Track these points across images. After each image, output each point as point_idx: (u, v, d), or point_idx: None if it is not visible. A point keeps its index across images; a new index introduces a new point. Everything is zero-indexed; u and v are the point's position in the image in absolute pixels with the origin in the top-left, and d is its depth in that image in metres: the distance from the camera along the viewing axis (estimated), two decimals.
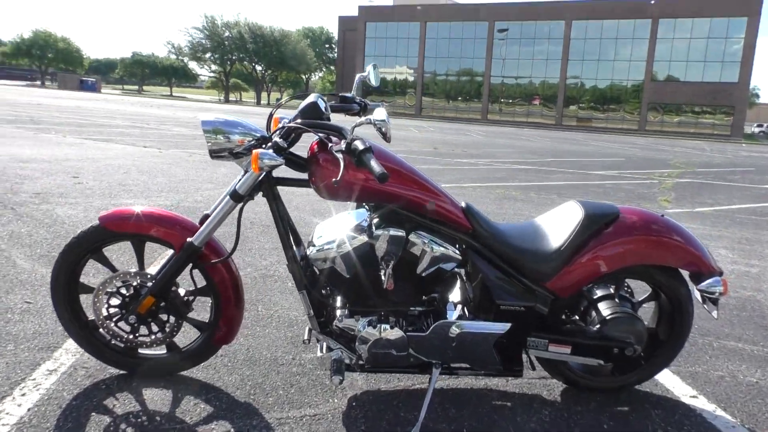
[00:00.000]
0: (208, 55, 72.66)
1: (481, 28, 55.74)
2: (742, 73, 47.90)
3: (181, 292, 2.38)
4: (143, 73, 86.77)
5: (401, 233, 2.18)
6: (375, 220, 2.21)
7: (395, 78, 61.09)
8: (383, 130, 1.93)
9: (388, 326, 2.19)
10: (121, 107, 30.62)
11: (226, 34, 70.26)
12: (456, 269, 2.31)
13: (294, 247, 2.26)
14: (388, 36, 59.08)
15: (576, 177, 11.70)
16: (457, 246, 2.29)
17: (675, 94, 50.03)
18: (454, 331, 2.20)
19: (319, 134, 2.11)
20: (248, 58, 71.63)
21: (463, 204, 2.30)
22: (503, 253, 2.27)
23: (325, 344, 2.31)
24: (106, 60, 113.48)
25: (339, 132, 2.07)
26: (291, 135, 2.17)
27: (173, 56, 78.80)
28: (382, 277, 2.17)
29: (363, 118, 1.99)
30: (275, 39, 70.07)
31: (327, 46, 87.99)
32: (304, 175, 2.22)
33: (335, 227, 2.27)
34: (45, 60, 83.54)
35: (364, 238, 2.18)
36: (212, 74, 80.00)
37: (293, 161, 2.24)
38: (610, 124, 52.10)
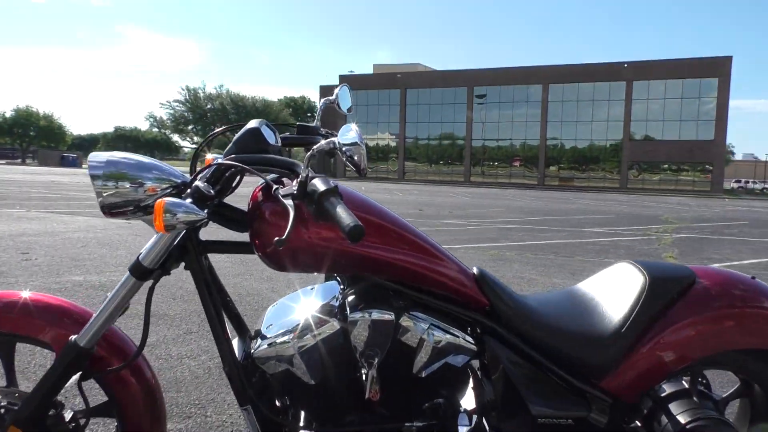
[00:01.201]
0: (190, 127, 73.06)
1: (460, 93, 56.71)
2: (718, 129, 48.82)
3: (67, 415, 1.63)
4: (126, 147, 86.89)
5: (389, 316, 1.49)
6: (350, 298, 1.53)
7: (377, 144, 61.36)
8: (355, 158, 1.28)
9: None
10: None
11: (209, 105, 70.93)
12: (469, 362, 1.62)
13: (231, 341, 1.55)
14: (369, 103, 59.77)
15: (569, 235, 11.13)
16: (469, 330, 1.59)
17: (654, 152, 50.73)
18: None
19: (262, 174, 1.44)
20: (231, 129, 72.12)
21: (474, 270, 1.62)
22: (537, 338, 1.58)
23: None
24: (89, 135, 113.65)
25: (290, 169, 1.41)
26: (223, 177, 1.50)
27: (155, 129, 79.17)
28: (364, 383, 1.47)
29: (323, 142, 1.34)
30: (257, 109, 70.82)
31: (309, 114, 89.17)
32: (246, 236, 1.53)
33: (293, 310, 1.58)
34: (26, 138, 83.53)
35: (335, 324, 1.49)
36: (194, 145, 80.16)
37: (227, 216, 1.56)
38: (592, 183, 52.45)
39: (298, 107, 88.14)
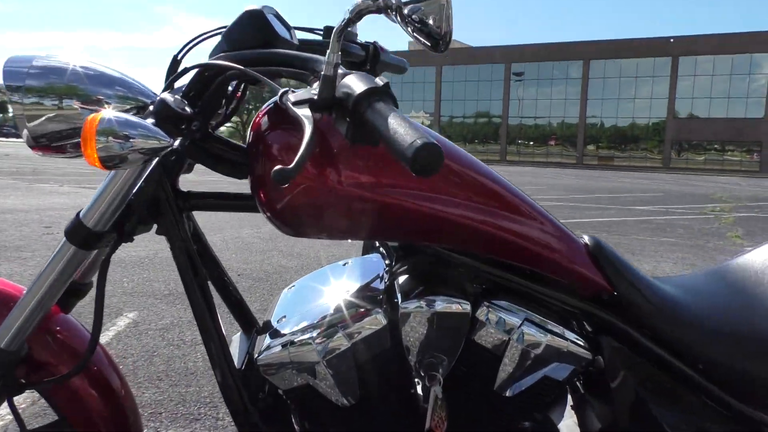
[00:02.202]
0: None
1: (497, 70, 55.28)
2: None
3: None
4: None
5: (462, 306, 0.99)
6: (402, 279, 1.04)
7: None
8: (429, 21, 0.78)
9: None
10: None
11: None
12: (577, 375, 1.11)
13: (227, 340, 1.08)
14: (404, 81, 58.72)
15: (618, 213, 10.42)
16: (576, 327, 1.09)
17: (699, 131, 48.81)
18: None
19: (270, 81, 0.94)
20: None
21: (586, 239, 1.10)
22: (687, 342, 1.06)
23: None
24: None
25: (314, 69, 0.91)
26: (209, 90, 1.00)
27: None
28: (422, 405, 1.01)
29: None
30: (293, 87, 70.40)
31: None
32: (246, 186, 1.04)
33: (316, 296, 1.10)
34: None
35: (379, 318, 1.00)
36: (230, 125, 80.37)
37: (216, 154, 1.06)
38: (633, 162, 50.74)
39: None
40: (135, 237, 1.05)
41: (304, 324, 1.03)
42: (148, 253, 5.24)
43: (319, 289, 1.13)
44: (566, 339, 1.03)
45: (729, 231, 8.30)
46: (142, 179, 1.01)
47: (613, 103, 52.12)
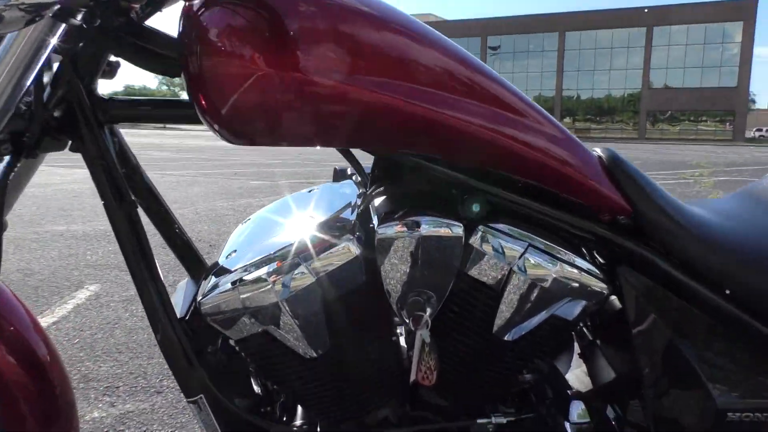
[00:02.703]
0: None
1: (473, 43, 54.75)
2: (741, 77, 47.02)
3: None
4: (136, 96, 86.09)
5: (453, 229, 0.80)
6: (379, 201, 0.85)
7: None
8: None
9: None
10: None
11: None
12: (591, 313, 0.94)
13: (166, 286, 0.88)
14: None
15: None
16: (587, 256, 0.91)
17: (673, 101, 49.18)
18: None
19: None
20: None
21: (598, 151, 0.92)
22: (727, 273, 0.89)
23: None
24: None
25: None
26: None
27: (165, 87, 78.10)
28: (407, 353, 0.87)
29: None
30: None
31: None
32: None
33: (275, 228, 0.90)
34: None
35: (350, 248, 0.80)
36: None
37: (142, 48, 0.86)
38: (609, 134, 50.96)
39: None
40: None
41: (259, 258, 0.83)
42: None
43: (278, 221, 0.93)
44: (578, 268, 0.85)
45: (710, 194, 8.27)
46: (46, 79, 0.80)
47: (589, 75, 52.18)
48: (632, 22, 49.79)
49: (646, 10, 49.51)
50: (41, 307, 2.88)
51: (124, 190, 0.84)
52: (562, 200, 0.88)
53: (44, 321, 2.66)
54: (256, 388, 1.01)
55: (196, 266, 1.06)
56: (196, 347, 0.89)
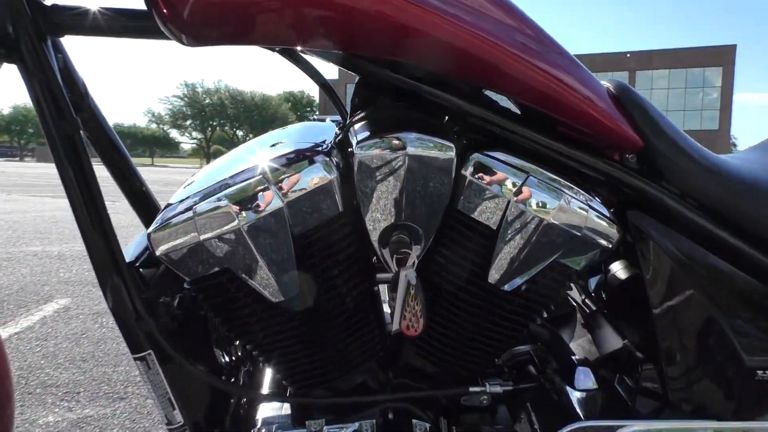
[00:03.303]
0: (188, 122, 71.95)
1: None
2: (722, 120, 47.97)
3: None
4: (125, 143, 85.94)
5: (445, 150, 0.69)
6: (361, 124, 0.75)
7: None
8: None
9: None
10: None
11: (207, 100, 69.90)
12: (599, 260, 0.83)
13: (114, 230, 0.76)
14: None
15: None
16: (594, 196, 0.80)
17: None
18: None
19: None
20: (229, 123, 71.08)
21: (606, 83, 0.83)
22: (754, 212, 0.79)
23: None
24: None
25: None
26: None
27: (154, 125, 78.26)
28: (388, 300, 0.75)
29: None
30: (256, 104, 69.73)
31: (308, 109, 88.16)
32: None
33: (243, 160, 0.78)
34: (24, 135, 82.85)
35: (323, 173, 0.69)
36: (193, 141, 79.22)
37: None
38: None
39: (297, 101, 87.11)
40: None
41: (217, 183, 0.72)
42: None
43: (243, 155, 0.82)
44: (585, 205, 0.74)
45: None
46: None
47: None
48: (616, 66, 50.92)
49: (628, 55, 50.75)
50: (4, 318, 2.73)
51: (66, 109, 0.73)
52: (567, 134, 0.78)
53: (5, 332, 2.50)
54: (217, 351, 0.88)
55: (153, 216, 0.94)
56: (146, 298, 0.77)
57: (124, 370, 2.10)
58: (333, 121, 0.94)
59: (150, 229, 0.73)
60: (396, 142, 0.70)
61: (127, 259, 0.79)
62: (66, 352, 2.31)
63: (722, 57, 47.49)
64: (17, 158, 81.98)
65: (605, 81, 0.85)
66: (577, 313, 1.04)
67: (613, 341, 0.93)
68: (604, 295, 1.00)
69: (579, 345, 0.97)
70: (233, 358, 0.95)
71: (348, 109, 0.85)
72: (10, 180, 16.29)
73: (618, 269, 0.95)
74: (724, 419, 0.79)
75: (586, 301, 1.05)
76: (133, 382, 2.00)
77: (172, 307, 0.82)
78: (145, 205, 0.95)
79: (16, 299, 3.10)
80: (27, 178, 17.76)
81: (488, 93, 0.82)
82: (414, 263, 0.73)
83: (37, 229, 6.07)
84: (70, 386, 1.95)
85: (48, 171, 26.71)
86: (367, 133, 0.73)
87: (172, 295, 0.84)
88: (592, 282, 1.05)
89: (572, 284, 0.84)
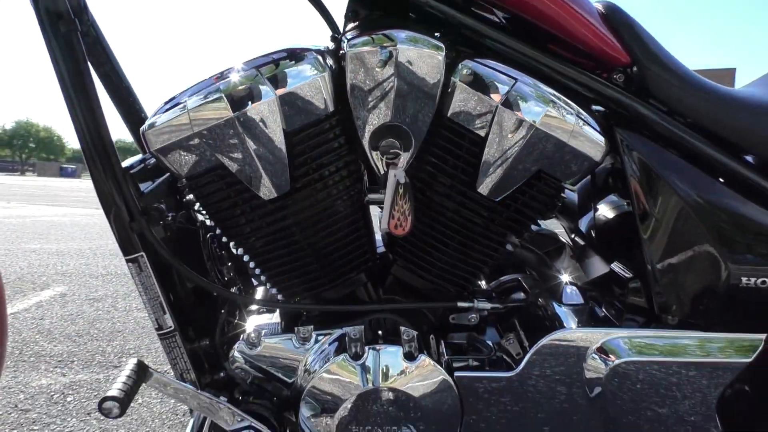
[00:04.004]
0: None
1: None
2: None
3: None
4: (125, 159, 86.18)
5: (436, 50, 0.74)
6: (353, 32, 0.79)
7: None
8: None
9: (393, 351, 0.76)
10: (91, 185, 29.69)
11: None
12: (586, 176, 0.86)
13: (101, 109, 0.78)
14: None
15: None
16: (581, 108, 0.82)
17: None
18: (598, 362, 0.72)
19: None
20: None
21: (597, 4, 0.85)
22: (742, 129, 0.82)
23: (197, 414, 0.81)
24: None
25: None
26: None
27: None
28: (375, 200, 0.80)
29: None
30: None
31: None
32: None
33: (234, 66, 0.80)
34: (26, 150, 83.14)
35: (315, 61, 0.75)
36: None
37: None
38: None
39: None
40: None
41: (210, 79, 0.74)
42: (90, 245, 4.86)
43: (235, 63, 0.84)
44: (572, 112, 0.76)
45: None
46: None
47: None
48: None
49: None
50: None
51: (65, 11, 0.75)
52: (556, 51, 0.80)
53: None
54: (201, 231, 0.89)
55: (138, 120, 0.95)
56: (144, 208, 0.79)
57: (119, 344, 2.11)
58: None
59: (144, 127, 0.75)
60: (386, 38, 0.72)
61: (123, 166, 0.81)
62: (61, 329, 2.31)
63: (722, 79, 47.40)
64: (18, 172, 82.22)
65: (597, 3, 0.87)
66: (567, 248, 1.06)
67: (601, 267, 0.95)
68: (593, 233, 1.01)
69: (568, 272, 0.98)
70: (225, 277, 0.96)
71: (342, 27, 0.87)
72: (11, 191, 16.34)
73: (607, 209, 0.97)
74: (708, 330, 0.80)
75: (576, 238, 1.06)
76: (127, 353, 2.00)
77: (166, 218, 0.84)
78: (127, 100, 0.95)
79: (13, 287, 3.10)
80: (27, 189, 17.83)
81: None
82: (404, 164, 0.75)
83: (36, 231, 6.08)
84: (64, 356, 1.95)
85: (48, 183, 26.80)
86: (358, 31, 0.76)
87: (167, 206, 0.85)
88: (583, 222, 1.07)
89: (559, 202, 0.86)
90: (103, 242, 5.04)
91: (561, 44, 0.82)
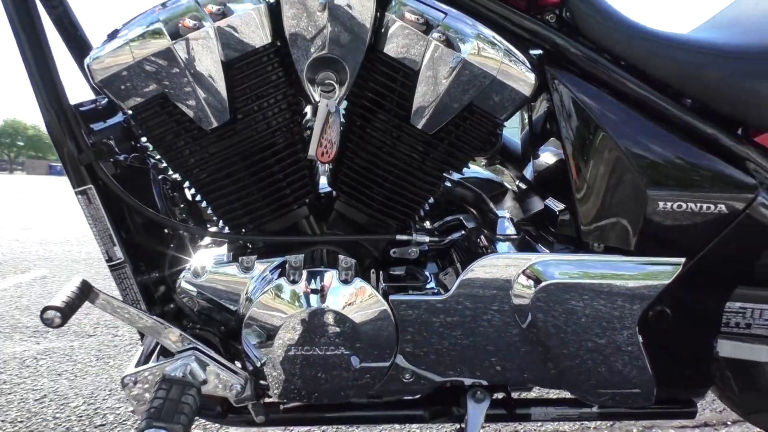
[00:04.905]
0: None
1: None
2: None
3: None
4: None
5: None
6: None
7: None
8: None
9: (330, 275, 0.81)
10: None
11: None
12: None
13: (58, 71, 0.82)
14: None
15: None
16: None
17: None
18: (525, 285, 0.77)
19: None
20: None
21: None
22: (675, 70, 0.88)
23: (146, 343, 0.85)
24: None
25: None
26: None
27: None
28: (307, 130, 0.88)
29: None
30: None
31: None
32: None
33: None
34: (14, 148, 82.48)
35: None
36: None
37: None
38: None
39: None
40: None
41: (149, 11, 0.78)
42: (76, 234, 4.87)
43: None
44: (500, 46, 0.80)
45: None
46: None
47: None
48: None
49: None
50: None
51: None
52: None
53: None
54: (149, 164, 0.93)
55: (83, 50, 0.98)
56: (94, 145, 0.82)
57: (96, 316, 2.14)
58: None
59: (87, 59, 0.78)
60: None
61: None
62: (39, 305, 2.33)
63: None
64: (6, 171, 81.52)
65: None
66: (510, 193, 1.10)
67: (537, 204, 0.99)
68: (534, 175, 1.06)
69: (508, 212, 1.03)
70: (177, 219, 0.99)
71: None
72: None
73: (546, 152, 1.01)
74: (631, 255, 0.85)
75: (519, 184, 1.11)
76: (103, 324, 2.03)
77: (117, 157, 0.87)
78: (72, 33, 0.97)
79: None
80: (15, 187, 17.73)
81: None
82: (337, 96, 0.78)
83: (19, 222, 6.07)
84: (39, 328, 1.98)
85: (36, 181, 26.63)
86: None
87: (121, 149, 0.88)
88: (528, 170, 1.11)
89: (495, 138, 0.90)
90: (89, 231, 5.07)
91: None
